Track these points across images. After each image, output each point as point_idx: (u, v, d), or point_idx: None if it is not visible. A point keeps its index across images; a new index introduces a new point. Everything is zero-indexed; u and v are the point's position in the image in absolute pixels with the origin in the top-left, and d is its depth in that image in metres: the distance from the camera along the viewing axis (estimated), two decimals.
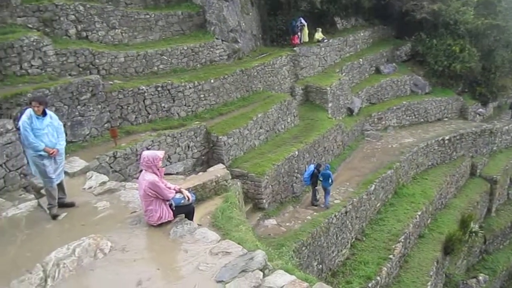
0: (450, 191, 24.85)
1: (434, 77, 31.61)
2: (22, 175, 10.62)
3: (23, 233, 6.84)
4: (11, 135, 10.46)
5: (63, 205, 7.41)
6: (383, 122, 27.88)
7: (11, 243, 6.54)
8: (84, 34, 16.76)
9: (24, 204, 8.11)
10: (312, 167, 17.64)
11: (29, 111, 7.00)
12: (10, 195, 10.09)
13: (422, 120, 29.73)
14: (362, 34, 31.29)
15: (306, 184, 18.15)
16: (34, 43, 14.08)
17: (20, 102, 12.41)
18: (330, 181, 17.54)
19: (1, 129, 10.29)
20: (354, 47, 30.32)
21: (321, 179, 17.54)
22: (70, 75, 15.15)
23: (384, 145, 24.98)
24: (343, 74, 27.05)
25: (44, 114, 7.09)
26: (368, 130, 26.48)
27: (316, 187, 18.04)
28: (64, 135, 7.46)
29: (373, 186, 19.64)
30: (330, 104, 24.07)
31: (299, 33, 25.53)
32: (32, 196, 9.39)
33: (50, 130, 7.11)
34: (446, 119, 30.83)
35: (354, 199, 18.25)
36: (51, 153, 7.05)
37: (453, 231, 20.90)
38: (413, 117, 29.40)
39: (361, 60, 29.53)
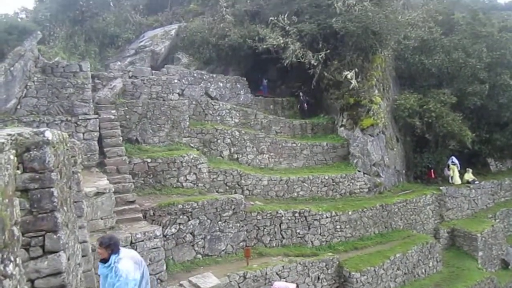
0: None
1: None
2: (159, 280, 11.23)
3: None
4: (158, 241, 11.37)
5: None
6: None
7: None
8: (236, 156, 18.43)
9: None
10: None
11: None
12: None
13: None
14: None
15: None
16: (193, 160, 15.91)
17: (170, 211, 13.64)
18: None
19: (151, 234, 11.29)
20: (511, 191, 27.49)
21: None
22: (217, 191, 16.46)
23: None
24: (497, 220, 24.41)
25: (109, 259, 5.69)
26: None
27: None
28: None
29: None
30: (480, 253, 21.54)
31: (448, 171, 24.38)
32: None
33: (105, 283, 5.76)
34: None
35: None
36: None
37: None
38: None
39: None
